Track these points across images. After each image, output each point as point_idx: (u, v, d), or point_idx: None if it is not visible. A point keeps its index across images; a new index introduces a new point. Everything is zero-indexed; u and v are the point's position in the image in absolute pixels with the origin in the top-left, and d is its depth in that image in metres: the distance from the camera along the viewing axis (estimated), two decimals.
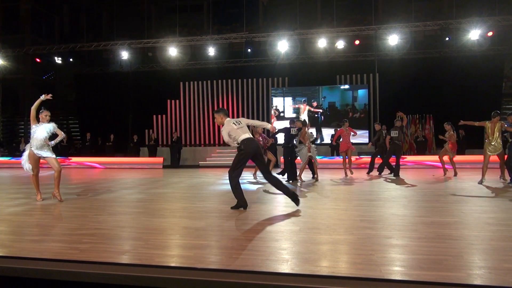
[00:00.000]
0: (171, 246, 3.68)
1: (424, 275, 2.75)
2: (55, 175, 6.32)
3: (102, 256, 3.28)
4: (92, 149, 17.51)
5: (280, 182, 5.59)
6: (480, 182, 8.45)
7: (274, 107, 17.89)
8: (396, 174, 10.37)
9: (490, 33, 15.00)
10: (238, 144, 5.49)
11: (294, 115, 17.39)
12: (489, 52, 16.34)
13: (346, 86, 17.64)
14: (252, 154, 5.45)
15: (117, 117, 19.10)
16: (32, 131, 6.29)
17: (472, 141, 15.44)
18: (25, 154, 6.38)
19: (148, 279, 2.86)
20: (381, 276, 2.75)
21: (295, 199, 5.37)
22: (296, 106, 17.84)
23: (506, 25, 15.11)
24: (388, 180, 9.74)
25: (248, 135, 5.52)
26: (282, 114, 17.86)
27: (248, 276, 2.82)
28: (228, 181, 5.57)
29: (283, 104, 18.10)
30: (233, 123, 5.60)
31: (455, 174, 10.48)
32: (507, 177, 8.75)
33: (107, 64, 20.15)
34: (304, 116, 17.16)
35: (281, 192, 5.59)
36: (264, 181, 9.45)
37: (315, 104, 17.68)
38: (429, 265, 2.94)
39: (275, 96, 18.16)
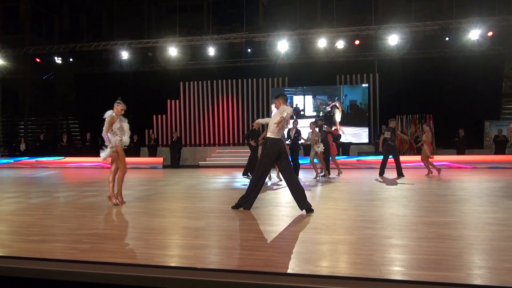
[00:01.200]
0: (171, 246, 3.69)
1: (424, 275, 2.76)
2: (120, 176, 6.03)
3: (102, 256, 3.28)
4: (93, 149, 17.51)
5: (302, 193, 5.19)
6: None
7: (295, 105, 17.74)
8: (400, 174, 10.41)
9: (490, 33, 14.99)
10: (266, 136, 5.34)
11: (314, 114, 17.40)
12: (489, 52, 16.33)
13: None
14: (275, 155, 5.25)
15: None
16: (118, 126, 5.91)
17: (472, 142, 15.45)
18: (108, 151, 5.90)
19: (148, 279, 2.85)
20: (381, 276, 2.75)
21: (306, 209, 5.11)
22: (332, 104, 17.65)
23: (506, 25, 15.10)
24: (388, 180, 9.74)
25: (280, 135, 5.32)
26: (302, 113, 17.75)
27: (248, 276, 2.82)
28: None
29: (303, 102, 17.96)
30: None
31: (439, 173, 10.56)
32: None
33: (107, 64, 20.15)
34: (339, 115, 17.21)
35: (293, 199, 5.31)
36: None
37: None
38: (429, 265, 2.94)
39: (295, 95, 18.04)
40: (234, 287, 2.68)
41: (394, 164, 10.64)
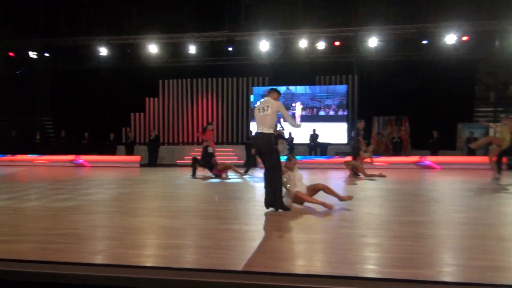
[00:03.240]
0: (147, 245, 3.65)
1: (396, 273, 2.82)
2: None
3: (76, 256, 3.22)
4: (67, 147, 17.12)
5: (274, 192, 5.18)
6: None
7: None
8: (356, 174, 10.63)
9: (465, 38, 15.41)
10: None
11: None
12: (464, 56, 16.81)
13: None
14: (256, 150, 5.33)
15: (94, 115, 18.77)
16: None
17: (445, 143, 15.86)
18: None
19: (123, 280, 2.81)
20: (356, 275, 2.80)
21: (280, 208, 5.15)
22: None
23: (480, 30, 15.57)
24: (364, 180, 9.89)
25: (260, 128, 5.17)
26: None
27: (225, 275, 2.82)
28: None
29: None
30: (258, 109, 5.25)
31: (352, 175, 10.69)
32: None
33: (85, 60, 19.68)
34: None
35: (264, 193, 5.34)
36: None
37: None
38: (401, 263, 3.01)
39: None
40: (210, 286, 2.68)
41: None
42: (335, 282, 2.66)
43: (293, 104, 17.66)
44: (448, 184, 8.97)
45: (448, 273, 2.84)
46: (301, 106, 17.70)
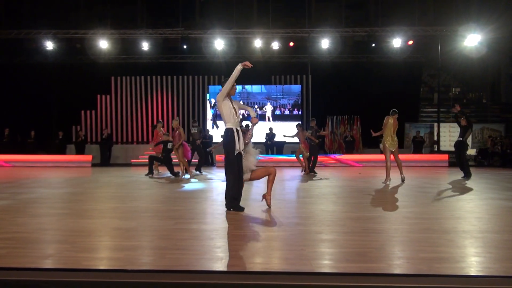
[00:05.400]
0: (100, 248, 3.52)
1: (350, 267, 2.93)
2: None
3: (22, 261, 3.04)
4: (11, 146, 16.08)
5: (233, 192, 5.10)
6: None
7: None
8: (313, 171, 10.95)
9: (410, 42, 16.25)
10: None
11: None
12: (410, 59, 17.75)
13: None
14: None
15: (40, 112, 17.81)
16: None
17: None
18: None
19: (74, 284, 2.71)
20: (312, 270, 2.87)
21: (236, 207, 5.10)
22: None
23: (424, 35, 16.51)
24: (318, 178, 10.15)
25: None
26: None
27: (182, 276, 2.79)
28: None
29: None
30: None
31: (304, 171, 11.04)
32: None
33: (30, 54, 18.56)
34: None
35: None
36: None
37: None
38: (354, 258, 3.13)
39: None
40: (167, 287, 2.64)
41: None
42: (291, 278, 2.72)
43: (264, 108, 17.78)
44: (395, 180, 9.40)
45: (398, 266, 3.00)
46: (271, 107, 17.91)
